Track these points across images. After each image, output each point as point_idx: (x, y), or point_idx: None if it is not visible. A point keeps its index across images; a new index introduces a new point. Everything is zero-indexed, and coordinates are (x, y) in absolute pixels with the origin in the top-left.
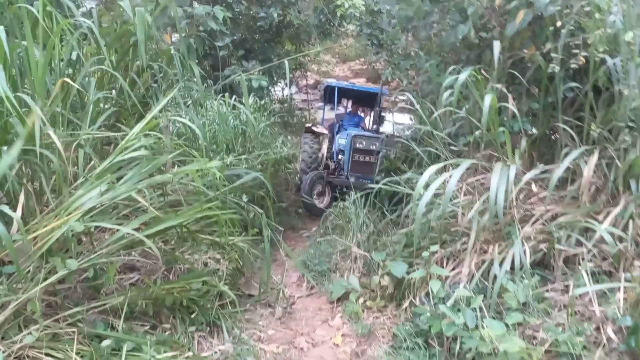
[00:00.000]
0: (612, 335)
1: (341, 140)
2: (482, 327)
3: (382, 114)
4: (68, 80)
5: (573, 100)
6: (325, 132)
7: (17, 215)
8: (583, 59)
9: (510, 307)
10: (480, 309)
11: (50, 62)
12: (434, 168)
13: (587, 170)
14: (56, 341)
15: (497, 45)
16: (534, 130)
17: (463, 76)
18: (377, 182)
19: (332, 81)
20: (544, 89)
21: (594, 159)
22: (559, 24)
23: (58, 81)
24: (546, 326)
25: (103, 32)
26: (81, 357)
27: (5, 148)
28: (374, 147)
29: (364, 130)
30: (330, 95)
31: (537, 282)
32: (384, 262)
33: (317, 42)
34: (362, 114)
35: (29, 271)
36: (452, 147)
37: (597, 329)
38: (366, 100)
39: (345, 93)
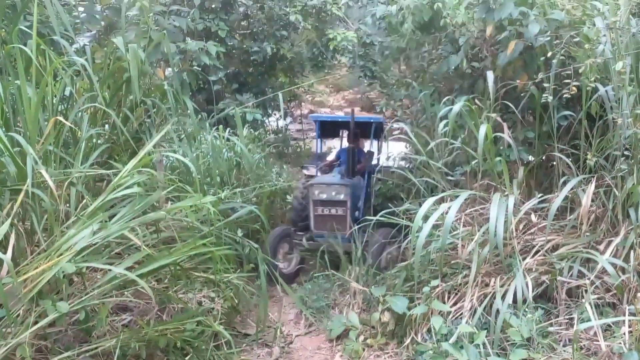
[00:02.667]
0: None
1: None
2: None
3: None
4: (60, 118)
5: (568, 128)
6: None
7: (7, 257)
8: (575, 89)
9: (515, 343)
10: (484, 345)
11: (43, 99)
12: (432, 200)
13: (585, 199)
14: None
15: (490, 75)
16: (531, 158)
17: (457, 107)
18: (351, 240)
19: (318, 114)
20: (538, 118)
21: (591, 187)
22: (549, 54)
23: (51, 119)
24: None
25: (96, 69)
26: None
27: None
28: (340, 196)
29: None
30: (322, 129)
31: (540, 316)
32: (384, 298)
33: (310, 74)
34: (367, 146)
35: (18, 315)
36: (449, 177)
37: None
38: (364, 131)
39: (339, 125)
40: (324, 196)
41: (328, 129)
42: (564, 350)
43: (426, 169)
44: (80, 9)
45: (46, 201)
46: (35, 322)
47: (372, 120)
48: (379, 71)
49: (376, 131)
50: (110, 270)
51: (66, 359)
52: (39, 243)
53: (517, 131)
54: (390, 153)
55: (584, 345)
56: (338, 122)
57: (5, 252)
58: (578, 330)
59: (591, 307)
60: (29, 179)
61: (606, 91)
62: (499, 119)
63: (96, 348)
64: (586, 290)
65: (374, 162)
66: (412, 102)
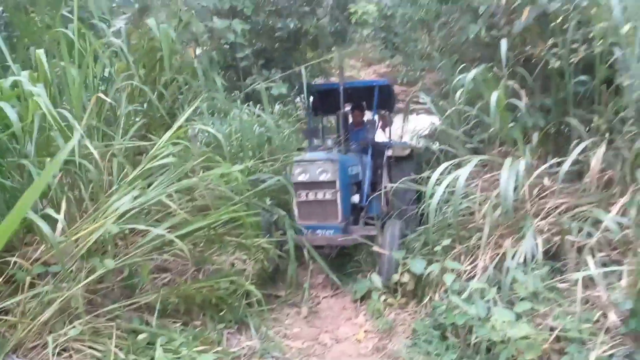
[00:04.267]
0: (615, 319)
1: None
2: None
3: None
4: (102, 95)
5: (586, 94)
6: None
7: (61, 217)
8: (582, 53)
9: (520, 297)
10: (495, 300)
11: (85, 79)
12: (444, 165)
13: (595, 161)
14: (97, 335)
15: (504, 44)
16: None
17: (471, 75)
18: (344, 230)
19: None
20: (554, 85)
21: (601, 150)
22: (560, 19)
23: (93, 97)
24: (555, 314)
25: (132, 50)
26: (120, 349)
27: (48, 159)
28: (326, 175)
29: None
30: (319, 103)
31: (547, 273)
32: (404, 260)
33: (336, 48)
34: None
35: (71, 271)
36: (468, 145)
37: (604, 314)
38: (369, 99)
39: (339, 96)
40: (305, 177)
41: (328, 102)
42: (570, 303)
43: (446, 137)
44: None
45: (92, 171)
46: (86, 278)
47: (374, 84)
48: (401, 43)
49: (384, 99)
50: (150, 231)
51: (114, 311)
52: (87, 209)
53: (534, 98)
54: (414, 130)
55: (589, 298)
56: (335, 90)
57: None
58: (578, 279)
59: (594, 262)
60: (76, 151)
61: (616, 55)
62: (515, 86)
63: (139, 302)
64: (592, 249)
65: (386, 138)
66: (434, 72)
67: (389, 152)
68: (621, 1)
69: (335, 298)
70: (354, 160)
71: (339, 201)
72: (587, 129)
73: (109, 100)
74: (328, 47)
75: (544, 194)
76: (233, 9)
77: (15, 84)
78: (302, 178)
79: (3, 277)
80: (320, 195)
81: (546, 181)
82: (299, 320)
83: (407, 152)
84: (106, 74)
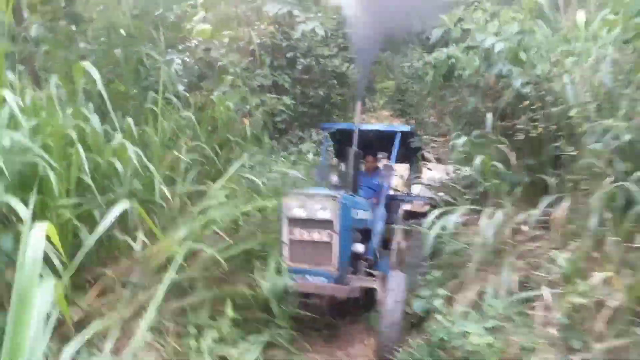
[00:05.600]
0: (555, 332)
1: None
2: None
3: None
4: (176, 153)
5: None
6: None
7: (141, 235)
8: (541, 129)
9: (491, 317)
10: (474, 320)
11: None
12: (436, 212)
13: (559, 212)
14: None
15: (489, 117)
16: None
17: (461, 141)
18: (338, 280)
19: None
20: (535, 149)
21: (565, 204)
22: (527, 102)
23: (168, 154)
24: (517, 330)
25: (198, 118)
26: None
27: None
28: (324, 213)
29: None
30: (338, 147)
31: (518, 301)
32: None
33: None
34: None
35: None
36: (466, 197)
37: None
38: (387, 145)
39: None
40: (303, 213)
41: (345, 142)
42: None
43: (449, 190)
44: (178, 61)
45: (164, 206)
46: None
47: (396, 130)
48: (413, 111)
49: (406, 148)
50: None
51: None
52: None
53: (522, 158)
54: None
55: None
56: (352, 131)
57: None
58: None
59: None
60: (157, 193)
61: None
62: (506, 149)
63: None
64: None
65: (398, 186)
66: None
67: (407, 207)
68: (572, 88)
69: None
70: (362, 204)
71: (335, 244)
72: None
73: (183, 157)
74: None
75: (525, 238)
76: (275, 83)
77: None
78: (298, 213)
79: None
80: (315, 236)
81: (524, 227)
82: None
83: (426, 209)
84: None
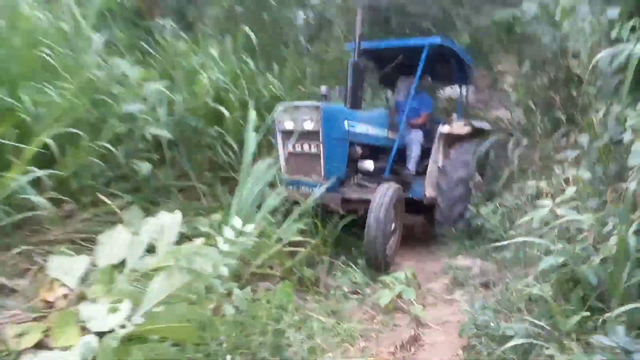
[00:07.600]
0: None
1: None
2: None
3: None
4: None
5: None
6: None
7: None
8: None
9: None
10: None
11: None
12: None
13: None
14: None
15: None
16: None
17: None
18: (330, 190)
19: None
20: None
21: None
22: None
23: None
24: None
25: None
26: None
27: None
28: (310, 124)
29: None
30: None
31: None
32: None
33: None
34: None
35: None
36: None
37: None
38: (426, 68)
39: (395, 55)
40: (291, 125)
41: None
42: None
43: None
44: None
45: None
46: None
47: (426, 43)
48: None
49: (460, 67)
50: None
51: None
52: None
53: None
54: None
55: None
56: (391, 55)
57: None
58: None
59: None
60: None
61: None
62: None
63: None
64: None
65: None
66: None
67: (444, 129)
68: None
69: None
70: (367, 119)
71: (322, 155)
72: None
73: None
74: None
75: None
76: None
77: None
78: (288, 126)
79: None
80: (306, 148)
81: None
82: None
83: (466, 129)
84: None
